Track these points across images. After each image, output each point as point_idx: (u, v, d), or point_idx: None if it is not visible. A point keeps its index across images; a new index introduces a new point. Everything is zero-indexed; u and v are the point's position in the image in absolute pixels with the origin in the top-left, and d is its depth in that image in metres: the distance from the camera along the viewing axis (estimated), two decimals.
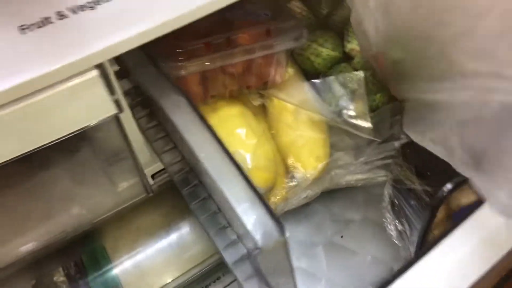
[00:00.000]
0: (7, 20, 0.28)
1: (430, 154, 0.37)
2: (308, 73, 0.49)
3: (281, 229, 0.25)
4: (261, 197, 0.27)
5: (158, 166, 0.45)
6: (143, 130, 0.40)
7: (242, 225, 0.26)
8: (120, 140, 0.41)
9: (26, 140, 0.30)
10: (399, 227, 0.43)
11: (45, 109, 0.28)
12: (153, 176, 0.46)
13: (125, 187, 0.45)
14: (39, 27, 0.28)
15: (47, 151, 0.45)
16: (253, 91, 0.47)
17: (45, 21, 0.28)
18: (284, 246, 0.25)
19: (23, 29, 0.27)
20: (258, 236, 0.25)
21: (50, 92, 0.27)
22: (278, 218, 0.25)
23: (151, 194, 0.47)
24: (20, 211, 0.44)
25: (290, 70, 0.47)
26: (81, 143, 0.45)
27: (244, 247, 0.28)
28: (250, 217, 0.25)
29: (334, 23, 0.52)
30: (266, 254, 0.25)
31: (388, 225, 0.43)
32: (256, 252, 0.25)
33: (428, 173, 0.41)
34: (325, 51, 0.48)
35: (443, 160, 0.36)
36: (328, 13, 0.53)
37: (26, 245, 0.44)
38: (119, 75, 0.33)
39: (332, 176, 0.46)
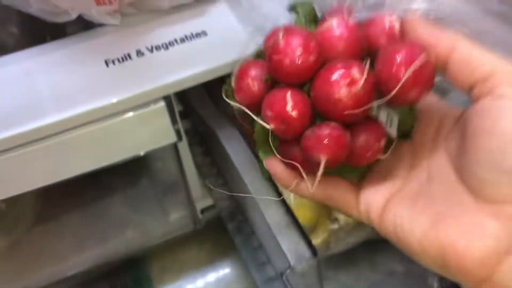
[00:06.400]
0: (96, 55, 0.33)
1: None
2: None
3: (313, 251, 0.26)
4: (297, 222, 0.28)
5: (208, 201, 0.48)
6: (198, 165, 0.44)
7: (277, 246, 0.27)
8: (176, 173, 0.45)
9: (97, 157, 0.34)
10: (444, 284, 0.42)
11: (117, 132, 0.32)
12: (202, 211, 0.49)
13: (176, 218, 0.48)
14: (121, 62, 0.33)
15: (109, 177, 0.50)
16: None
17: (126, 57, 0.33)
18: (315, 268, 0.26)
19: (108, 62, 0.33)
20: (290, 256, 0.26)
21: (123, 117, 0.31)
22: (311, 242, 0.26)
23: (199, 227, 0.49)
24: (80, 231, 0.48)
25: None
26: (140, 172, 0.49)
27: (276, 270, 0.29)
28: (285, 238, 0.27)
29: None
30: (298, 274, 0.26)
31: (430, 278, 0.42)
32: (288, 272, 0.26)
33: None
34: None
35: None
36: None
37: (82, 263, 0.47)
38: (182, 115, 0.37)
39: None
